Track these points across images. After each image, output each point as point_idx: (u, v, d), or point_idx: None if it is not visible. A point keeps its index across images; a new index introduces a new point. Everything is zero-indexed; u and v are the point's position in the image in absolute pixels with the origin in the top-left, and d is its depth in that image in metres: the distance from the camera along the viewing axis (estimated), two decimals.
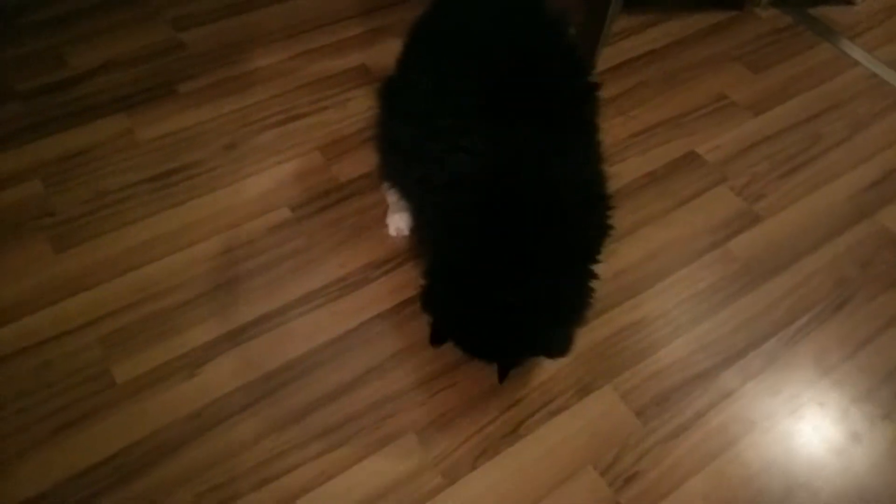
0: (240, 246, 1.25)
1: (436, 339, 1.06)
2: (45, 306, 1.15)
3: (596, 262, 1.03)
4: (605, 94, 1.12)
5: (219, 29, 1.62)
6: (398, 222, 1.26)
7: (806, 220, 1.36)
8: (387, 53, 1.41)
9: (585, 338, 1.17)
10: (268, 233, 1.27)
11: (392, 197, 1.24)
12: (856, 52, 1.71)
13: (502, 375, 1.07)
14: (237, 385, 1.09)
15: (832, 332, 1.21)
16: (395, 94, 1.17)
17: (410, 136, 1.05)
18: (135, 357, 1.11)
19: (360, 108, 1.47)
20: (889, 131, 1.53)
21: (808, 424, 1.11)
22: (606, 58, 1.62)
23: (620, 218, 1.32)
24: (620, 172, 1.40)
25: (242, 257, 1.23)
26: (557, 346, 1.03)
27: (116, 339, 1.12)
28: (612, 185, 1.37)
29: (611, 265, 1.26)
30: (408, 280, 1.21)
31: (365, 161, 1.38)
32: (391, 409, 1.08)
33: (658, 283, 1.26)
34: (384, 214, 1.28)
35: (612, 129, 1.47)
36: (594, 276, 1.02)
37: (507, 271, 0.94)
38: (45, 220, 1.26)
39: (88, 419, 1.04)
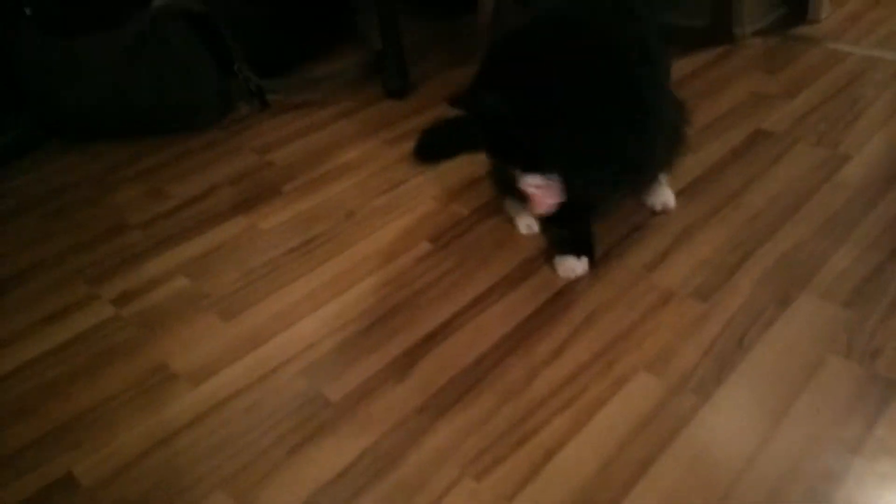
0: (395, 279, 1.27)
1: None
2: (235, 360, 1.13)
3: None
4: None
5: (298, 147, 1.75)
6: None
7: (886, 150, 1.46)
8: None
9: (759, 264, 1.20)
10: (417, 263, 1.30)
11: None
12: (845, 47, 1.94)
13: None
14: (449, 376, 1.06)
15: None
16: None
17: None
18: (341, 378, 1.07)
19: (454, 164, 1.57)
20: None
21: None
22: None
23: (732, 177, 1.42)
24: (708, 155, 1.51)
25: (402, 286, 1.25)
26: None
27: (316, 369, 1.10)
28: (707, 165, 1.49)
29: (747, 209, 1.33)
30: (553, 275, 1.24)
31: (477, 197, 1.46)
32: (611, 357, 1.06)
33: (794, 215, 1.31)
34: (513, 228, 1.34)
35: None
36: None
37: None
38: (202, 302, 1.27)
39: (318, 436, 0.98)
